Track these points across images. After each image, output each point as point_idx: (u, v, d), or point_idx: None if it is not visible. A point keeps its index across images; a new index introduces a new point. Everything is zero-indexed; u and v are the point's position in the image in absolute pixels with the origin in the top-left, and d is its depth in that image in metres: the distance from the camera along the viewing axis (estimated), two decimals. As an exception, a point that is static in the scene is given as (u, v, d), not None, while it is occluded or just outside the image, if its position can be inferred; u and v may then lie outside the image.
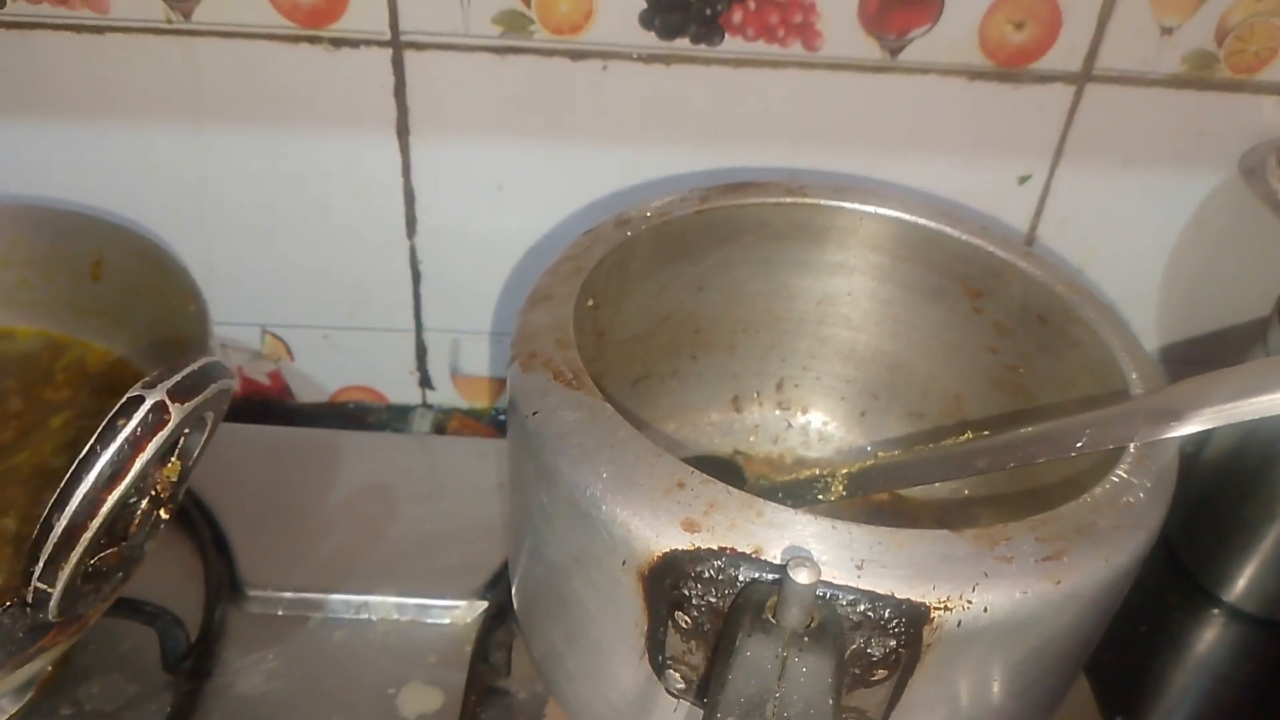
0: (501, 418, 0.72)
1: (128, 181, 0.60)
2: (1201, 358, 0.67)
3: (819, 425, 0.58)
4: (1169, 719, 0.56)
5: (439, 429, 0.71)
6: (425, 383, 0.71)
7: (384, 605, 0.55)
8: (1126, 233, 0.62)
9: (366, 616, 0.55)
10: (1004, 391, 0.50)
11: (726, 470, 0.49)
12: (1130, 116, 0.57)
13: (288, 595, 0.55)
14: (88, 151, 0.59)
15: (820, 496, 0.46)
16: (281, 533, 0.58)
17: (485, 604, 0.55)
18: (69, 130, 0.58)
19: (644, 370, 0.54)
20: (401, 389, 0.71)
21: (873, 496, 0.51)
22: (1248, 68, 0.56)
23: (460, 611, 0.55)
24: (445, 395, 0.71)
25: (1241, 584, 0.59)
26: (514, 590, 0.47)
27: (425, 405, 0.72)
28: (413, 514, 0.60)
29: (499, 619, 0.53)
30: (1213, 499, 0.58)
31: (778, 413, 0.58)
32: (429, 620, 0.55)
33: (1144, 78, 0.56)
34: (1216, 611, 0.60)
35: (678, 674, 0.35)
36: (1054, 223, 0.62)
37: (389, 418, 0.71)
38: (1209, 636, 0.60)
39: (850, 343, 0.55)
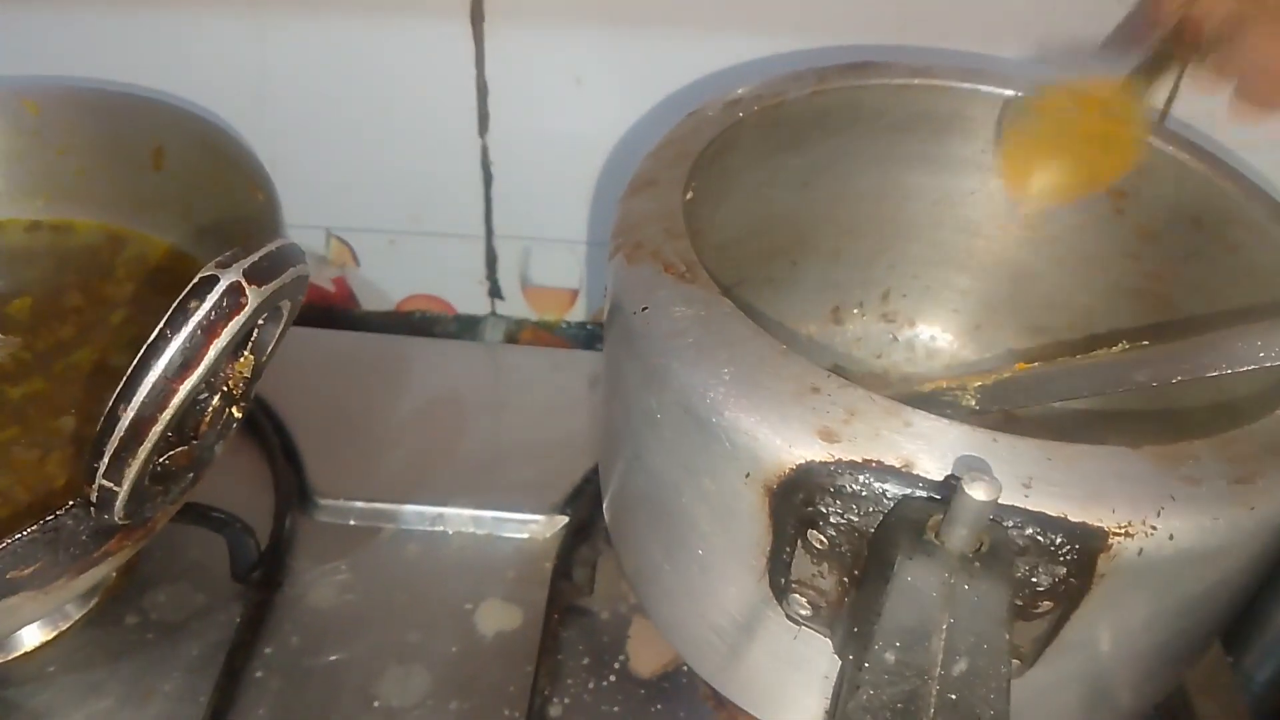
0: (575, 331, 0.68)
1: (186, 73, 0.57)
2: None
3: (927, 339, 0.53)
4: (1274, 658, 0.52)
5: (510, 340, 0.68)
6: (495, 292, 0.67)
7: (459, 518, 0.52)
8: (1257, 131, 0.57)
9: (441, 529, 0.52)
10: (1142, 303, 0.45)
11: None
12: None
13: (359, 505, 0.52)
14: (148, 35, 0.56)
15: (948, 412, 0.42)
16: (351, 441, 0.56)
17: (566, 519, 0.52)
18: (124, 12, 0.54)
19: (738, 275, 0.50)
20: (470, 299, 0.68)
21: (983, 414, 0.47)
22: None
23: (539, 526, 0.52)
24: (515, 306, 0.68)
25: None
26: (606, 503, 0.43)
27: (495, 316, 0.68)
28: (486, 425, 0.58)
29: (582, 535, 0.51)
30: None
31: (882, 325, 0.53)
32: (506, 534, 0.52)
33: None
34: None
35: (804, 599, 0.31)
36: (1183, 119, 0.56)
37: (457, 329, 0.68)
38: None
39: (968, 248, 0.50)
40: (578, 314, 0.68)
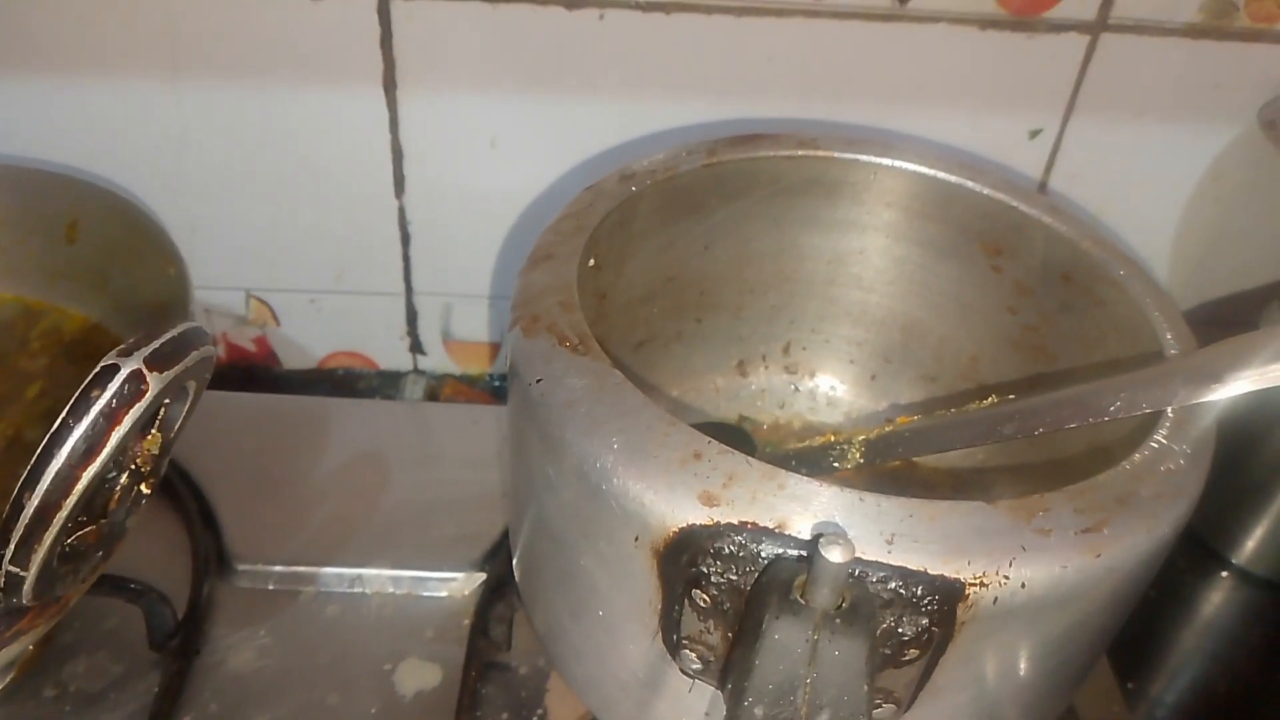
0: (497, 384, 0.70)
1: (103, 139, 0.57)
2: (1214, 318, 0.66)
3: (827, 389, 0.56)
4: (1178, 683, 0.55)
5: (432, 396, 0.69)
6: (416, 348, 0.68)
7: (379, 578, 0.53)
8: (1139, 189, 0.60)
9: (360, 590, 0.53)
10: (1023, 354, 0.48)
11: (735, 437, 0.47)
12: (1145, 68, 0.55)
13: (278, 569, 0.53)
14: (60, 106, 0.56)
15: (836, 464, 0.44)
16: (270, 504, 0.56)
17: (484, 576, 0.53)
18: (39, 84, 0.55)
19: (647, 334, 0.52)
20: (392, 354, 0.69)
21: (885, 464, 0.50)
22: (1268, 16, 0.53)
23: (458, 584, 0.53)
24: (437, 361, 0.69)
25: (1251, 546, 0.58)
26: (515, 563, 0.45)
27: (417, 371, 0.69)
28: (407, 483, 0.58)
29: (499, 591, 0.52)
30: (1222, 461, 0.57)
31: (784, 377, 0.56)
32: (425, 593, 0.53)
33: (1161, 27, 0.53)
34: (1225, 574, 0.59)
35: (694, 654, 0.33)
36: (1065, 178, 0.60)
37: (380, 384, 0.69)
38: (1217, 600, 0.59)
39: (861, 303, 0.53)
40: (499, 366, 0.69)
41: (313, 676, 0.49)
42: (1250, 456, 0.56)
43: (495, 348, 0.68)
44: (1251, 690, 0.54)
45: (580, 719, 0.48)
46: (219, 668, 0.49)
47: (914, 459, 0.51)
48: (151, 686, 0.47)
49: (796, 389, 0.56)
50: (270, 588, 0.53)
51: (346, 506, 0.57)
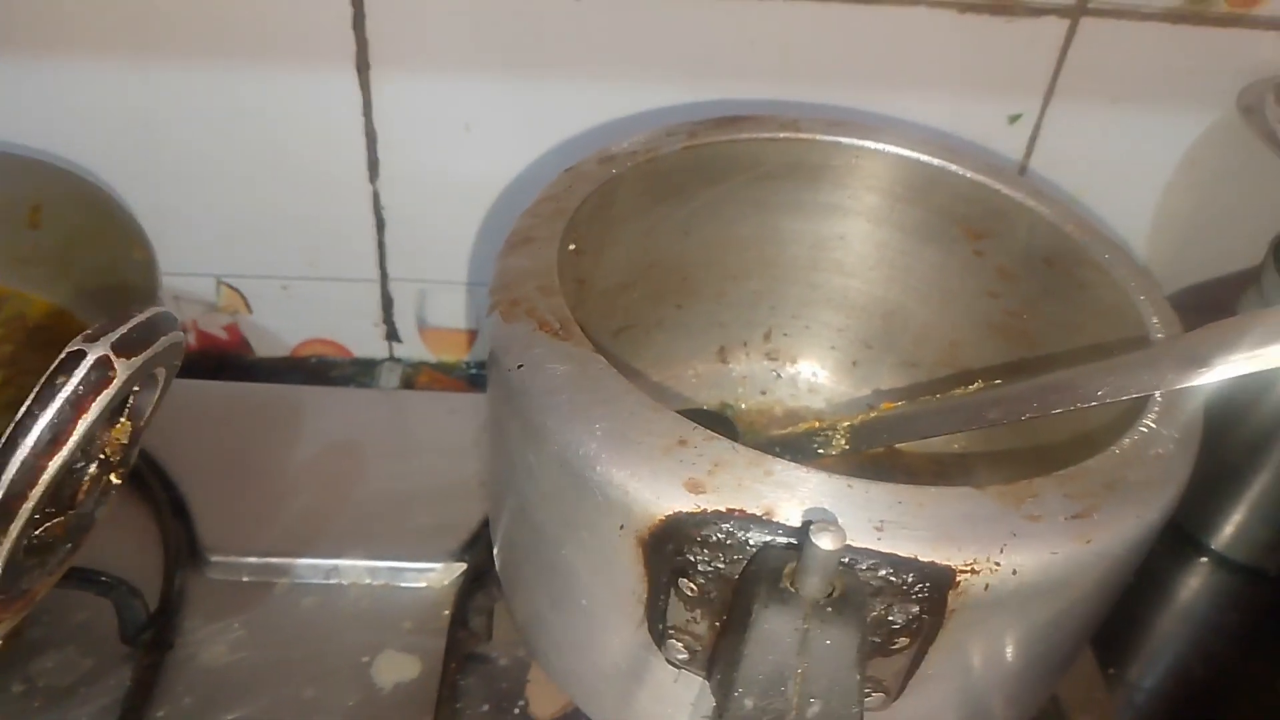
0: (473, 372, 0.69)
1: (69, 122, 0.56)
2: (1191, 304, 0.66)
3: (809, 376, 0.55)
4: (1157, 668, 0.55)
5: (407, 384, 0.68)
6: (391, 335, 0.67)
7: (355, 569, 0.52)
8: (1118, 175, 0.60)
9: (337, 581, 0.52)
10: (1005, 339, 0.48)
11: (718, 424, 0.46)
12: (1125, 52, 0.55)
13: (252, 560, 0.52)
14: (23, 88, 0.55)
15: (820, 451, 0.44)
16: (243, 494, 0.55)
17: (463, 566, 0.52)
18: (3, 66, 0.54)
19: (626, 320, 0.51)
20: (366, 342, 0.68)
21: (868, 451, 0.49)
22: (1246, 2, 0.53)
23: (436, 574, 0.52)
24: (413, 348, 0.68)
25: (1228, 532, 0.59)
26: (495, 553, 0.44)
27: (392, 359, 0.68)
28: (383, 472, 0.57)
29: (478, 582, 0.51)
30: (1199, 446, 0.57)
31: (766, 363, 0.55)
32: (403, 584, 0.52)
33: (1139, 11, 0.53)
34: (1203, 560, 0.59)
35: (680, 644, 0.32)
36: (1044, 164, 0.60)
37: (354, 372, 0.68)
38: (1195, 585, 0.59)
39: (843, 289, 0.52)
40: (476, 354, 0.69)
41: (289, 669, 0.48)
42: (1227, 441, 0.56)
43: (471, 335, 0.67)
44: (1229, 675, 0.54)
45: (562, 710, 0.48)
46: (192, 661, 0.48)
47: (896, 446, 0.51)
48: (123, 681, 0.46)
49: (778, 375, 0.55)
50: (244, 579, 0.52)
51: (321, 496, 0.56)
